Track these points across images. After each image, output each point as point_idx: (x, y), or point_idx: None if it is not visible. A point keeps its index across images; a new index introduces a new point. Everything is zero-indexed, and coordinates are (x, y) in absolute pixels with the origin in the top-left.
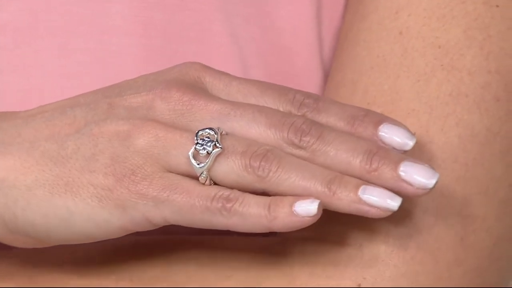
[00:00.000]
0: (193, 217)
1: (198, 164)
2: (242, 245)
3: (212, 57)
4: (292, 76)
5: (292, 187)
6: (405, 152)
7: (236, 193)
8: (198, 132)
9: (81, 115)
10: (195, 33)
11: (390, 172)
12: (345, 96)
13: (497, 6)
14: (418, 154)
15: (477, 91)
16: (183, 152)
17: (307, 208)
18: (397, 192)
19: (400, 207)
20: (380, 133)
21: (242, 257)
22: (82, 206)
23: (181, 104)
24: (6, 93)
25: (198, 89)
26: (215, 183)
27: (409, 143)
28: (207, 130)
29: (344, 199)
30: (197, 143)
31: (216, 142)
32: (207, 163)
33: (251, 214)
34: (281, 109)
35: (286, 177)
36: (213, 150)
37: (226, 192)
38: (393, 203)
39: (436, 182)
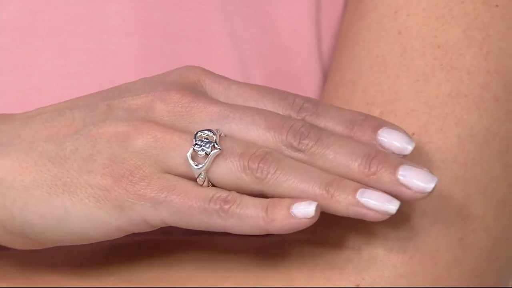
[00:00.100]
0: (190, 219)
1: (196, 165)
2: (240, 246)
3: (212, 57)
4: (291, 76)
5: (290, 189)
6: (404, 156)
7: (234, 195)
8: (196, 134)
9: (79, 116)
10: (194, 33)
11: (389, 176)
12: (344, 96)
13: (497, 5)
14: (417, 154)
15: (476, 91)
16: (182, 153)
17: (305, 210)
18: (395, 196)
19: (399, 210)
20: (379, 137)
21: (240, 258)
22: (80, 206)
23: (180, 106)
24: (6, 93)
25: (197, 92)
26: (213, 185)
27: (408, 148)
28: (206, 131)
29: (342, 202)
30: (196, 144)
31: (215, 144)
32: (205, 164)
33: (249, 216)
34: (280, 113)
35: (284, 179)
36: (211, 151)
37: (224, 193)
38: (391, 206)
39: (435, 187)
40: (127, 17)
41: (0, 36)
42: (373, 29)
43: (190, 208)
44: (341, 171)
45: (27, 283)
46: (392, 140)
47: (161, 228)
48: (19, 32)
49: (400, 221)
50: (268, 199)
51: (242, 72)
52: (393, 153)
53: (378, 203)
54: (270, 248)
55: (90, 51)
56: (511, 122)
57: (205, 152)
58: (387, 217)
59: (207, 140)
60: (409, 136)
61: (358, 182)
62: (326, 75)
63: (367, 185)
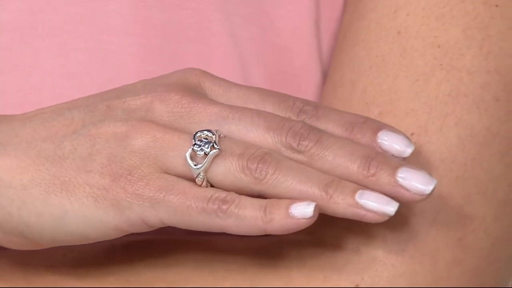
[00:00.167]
0: (189, 219)
1: (195, 165)
2: (240, 247)
3: (212, 57)
4: (291, 76)
5: (288, 190)
6: (403, 159)
7: (232, 195)
8: (196, 134)
9: (79, 116)
10: (194, 33)
11: (388, 177)
12: (344, 96)
13: (497, 5)
14: (417, 154)
15: (476, 91)
16: (181, 153)
17: (303, 211)
18: (394, 198)
19: (397, 211)
20: (379, 140)
21: (239, 258)
22: (78, 206)
23: (180, 106)
24: (6, 92)
25: (197, 93)
26: (212, 185)
27: (408, 150)
28: (205, 132)
29: (341, 203)
30: (195, 144)
31: (214, 144)
32: (204, 164)
33: (247, 216)
34: (280, 115)
35: (283, 180)
36: (210, 151)
37: (223, 194)
38: (390, 208)
39: (434, 189)
40: (127, 17)
41: (0, 36)
42: (373, 29)
43: (188, 208)
44: (340, 173)
45: (26, 284)
46: (392, 143)
47: (161, 228)
48: (19, 32)
49: (399, 221)
50: (267, 200)
51: (242, 72)
52: (393, 155)
53: (376, 205)
54: (269, 248)
55: (90, 51)
56: (511, 122)
57: (204, 152)
58: (386, 218)
59: (206, 140)
60: (409, 138)
61: (357, 183)
62: (325, 75)
63: (366, 187)
